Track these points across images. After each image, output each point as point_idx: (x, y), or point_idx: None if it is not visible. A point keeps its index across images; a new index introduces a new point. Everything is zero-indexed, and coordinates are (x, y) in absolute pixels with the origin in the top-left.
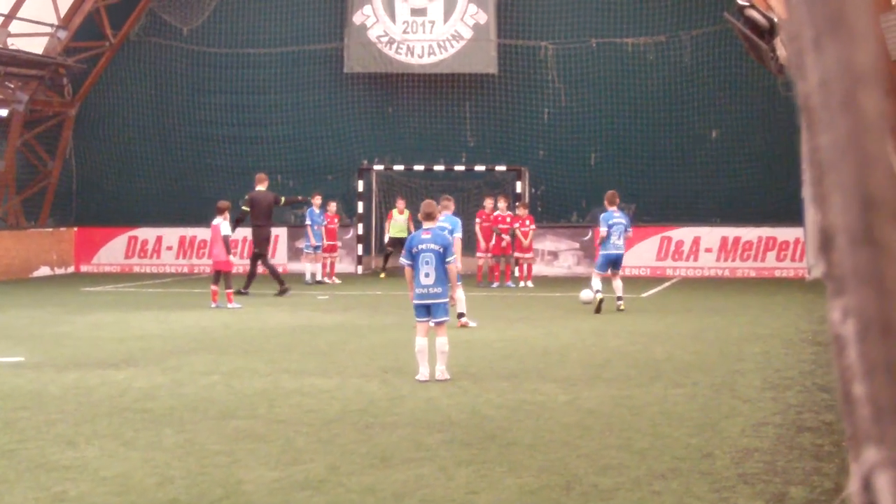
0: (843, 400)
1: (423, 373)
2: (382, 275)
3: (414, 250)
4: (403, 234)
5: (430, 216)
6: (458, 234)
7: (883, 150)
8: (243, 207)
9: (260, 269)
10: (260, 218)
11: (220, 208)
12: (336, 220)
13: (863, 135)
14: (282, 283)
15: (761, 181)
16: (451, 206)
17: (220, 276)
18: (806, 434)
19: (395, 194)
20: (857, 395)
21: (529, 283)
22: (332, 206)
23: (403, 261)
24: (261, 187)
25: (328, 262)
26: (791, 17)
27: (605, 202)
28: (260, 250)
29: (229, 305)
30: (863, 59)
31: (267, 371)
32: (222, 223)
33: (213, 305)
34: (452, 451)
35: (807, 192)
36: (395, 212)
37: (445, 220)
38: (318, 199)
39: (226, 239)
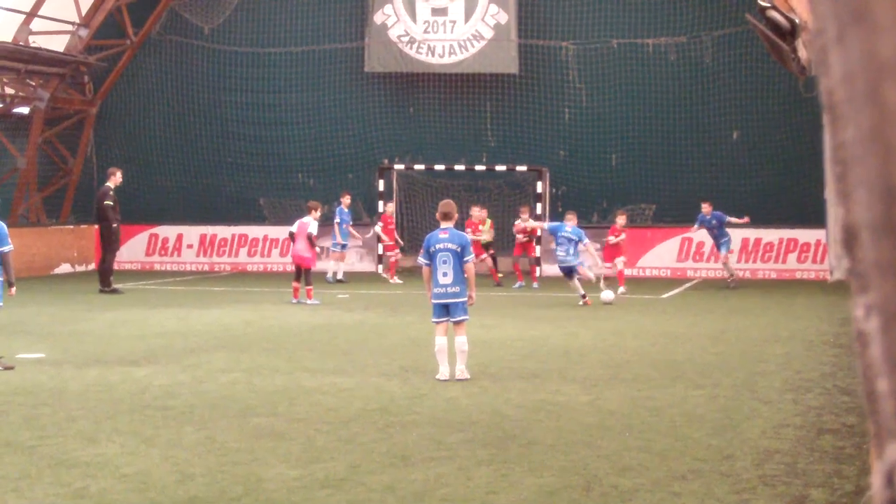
0: (866, 397)
1: (443, 372)
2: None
3: (431, 250)
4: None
5: (447, 216)
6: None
7: None
8: (109, 203)
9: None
10: (118, 212)
11: (310, 207)
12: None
13: (887, 127)
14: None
15: (782, 182)
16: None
17: (302, 272)
18: (826, 436)
19: (417, 194)
20: (881, 391)
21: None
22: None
23: (421, 260)
24: (110, 183)
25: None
26: (815, 12)
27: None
28: (117, 246)
29: (308, 301)
30: (887, 51)
31: (287, 369)
32: (312, 222)
33: (294, 301)
34: (472, 450)
35: (829, 193)
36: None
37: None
38: (347, 199)
39: (310, 236)
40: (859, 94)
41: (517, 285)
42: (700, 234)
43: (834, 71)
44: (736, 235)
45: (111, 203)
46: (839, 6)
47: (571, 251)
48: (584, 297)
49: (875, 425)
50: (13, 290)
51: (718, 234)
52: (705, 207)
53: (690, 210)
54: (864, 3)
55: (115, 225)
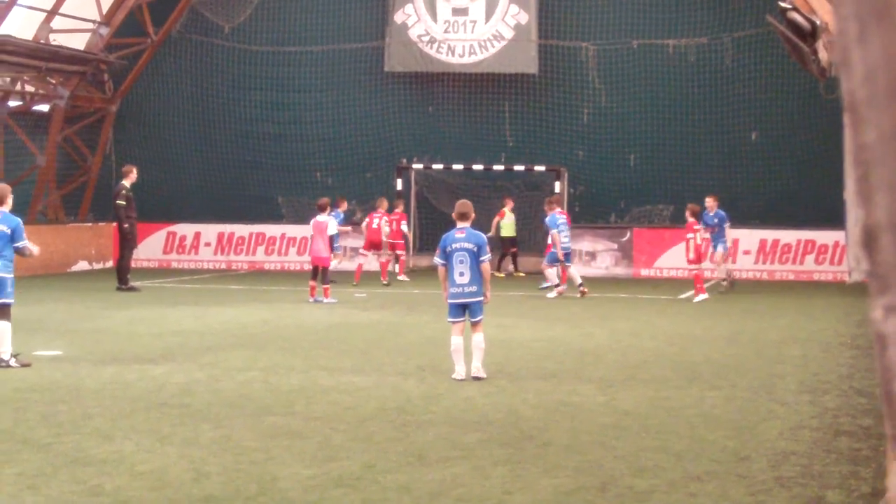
0: (885, 398)
1: (460, 371)
2: (502, 274)
3: (448, 249)
4: (513, 234)
5: (464, 216)
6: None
7: None
8: (122, 203)
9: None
10: (134, 210)
11: (322, 205)
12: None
13: None
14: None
15: (801, 184)
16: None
17: (319, 271)
18: (843, 438)
19: (435, 193)
20: None
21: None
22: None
23: (437, 260)
24: (126, 181)
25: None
26: (837, 12)
27: (547, 206)
28: (134, 244)
29: (325, 300)
30: None
31: (304, 368)
32: (330, 221)
33: (311, 300)
34: (488, 450)
35: (849, 194)
36: (506, 210)
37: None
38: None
39: (332, 238)
40: (881, 93)
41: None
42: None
43: (856, 71)
44: (754, 237)
45: (123, 202)
46: (861, 5)
47: (568, 234)
48: (581, 286)
49: (893, 427)
50: (36, 250)
51: (718, 234)
52: (710, 202)
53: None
54: (886, 1)
55: (125, 225)
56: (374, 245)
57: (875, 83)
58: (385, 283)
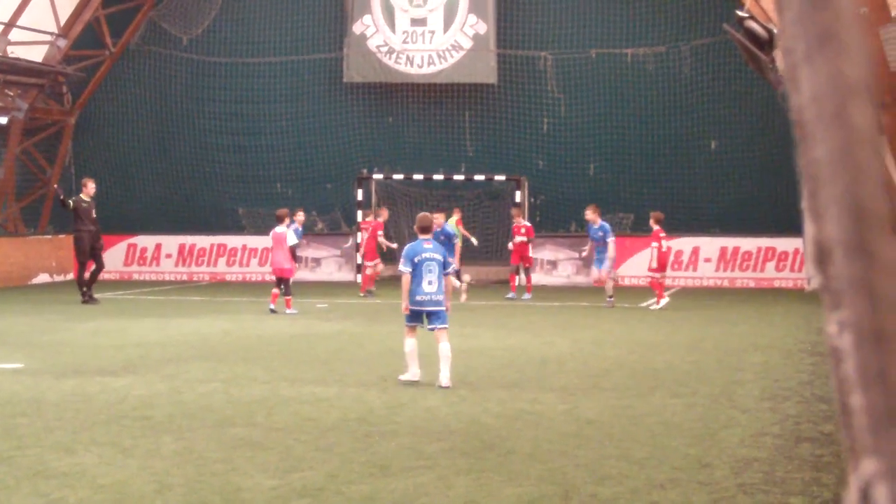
0: (840, 411)
1: (415, 372)
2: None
3: (416, 259)
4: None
5: (426, 229)
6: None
7: (874, 162)
8: (66, 199)
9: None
10: (84, 223)
11: (280, 216)
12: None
13: (854, 147)
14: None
15: (760, 191)
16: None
17: (282, 281)
18: (805, 444)
19: (396, 203)
20: (855, 406)
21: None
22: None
23: (403, 269)
24: (83, 195)
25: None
26: (785, 31)
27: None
28: (83, 257)
29: (287, 311)
30: (853, 73)
31: (265, 379)
32: (289, 232)
33: (271, 306)
34: (451, 459)
35: (805, 204)
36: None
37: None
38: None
39: (293, 248)
40: (827, 115)
41: (510, 295)
42: (679, 243)
43: (804, 90)
44: (714, 245)
45: (70, 202)
46: (807, 27)
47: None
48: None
49: (849, 440)
50: None
51: (602, 248)
52: (590, 214)
53: (669, 219)
54: (831, 25)
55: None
56: (369, 253)
57: (822, 104)
58: (362, 295)
